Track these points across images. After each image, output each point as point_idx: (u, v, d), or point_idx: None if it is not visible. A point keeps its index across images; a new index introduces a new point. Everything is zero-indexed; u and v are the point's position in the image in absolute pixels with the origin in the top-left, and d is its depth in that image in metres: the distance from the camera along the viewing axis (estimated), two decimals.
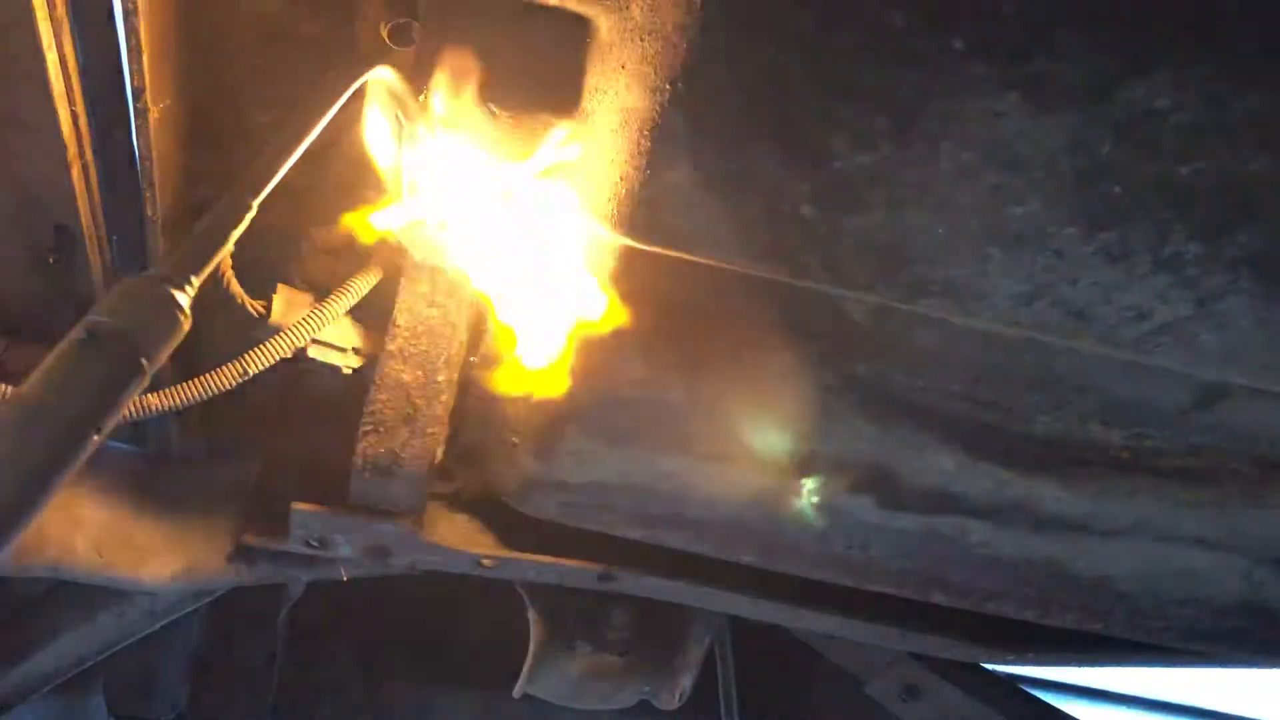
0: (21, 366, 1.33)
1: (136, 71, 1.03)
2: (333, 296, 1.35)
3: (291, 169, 1.06)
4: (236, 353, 1.27)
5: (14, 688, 1.90)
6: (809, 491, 1.37)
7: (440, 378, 1.40)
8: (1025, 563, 1.46)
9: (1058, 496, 1.34)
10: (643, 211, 1.00)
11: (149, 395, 1.23)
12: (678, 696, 2.19)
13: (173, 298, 0.94)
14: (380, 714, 2.99)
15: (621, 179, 0.99)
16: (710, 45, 0.85)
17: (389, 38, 1.20)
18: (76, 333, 0.88)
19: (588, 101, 1.04)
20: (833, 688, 2.99)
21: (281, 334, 1.29)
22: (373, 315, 1.44)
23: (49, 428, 0.83)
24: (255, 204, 1.03)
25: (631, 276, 1.11)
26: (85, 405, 0.85)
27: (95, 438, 0.86)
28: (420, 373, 1.39)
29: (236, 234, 1.02)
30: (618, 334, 1.18)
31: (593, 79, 1.02)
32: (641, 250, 1.05)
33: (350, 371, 1.47)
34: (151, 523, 1.63)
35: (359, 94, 1.12)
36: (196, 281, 0.97)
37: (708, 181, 0.96)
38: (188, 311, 0.95)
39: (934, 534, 1.42)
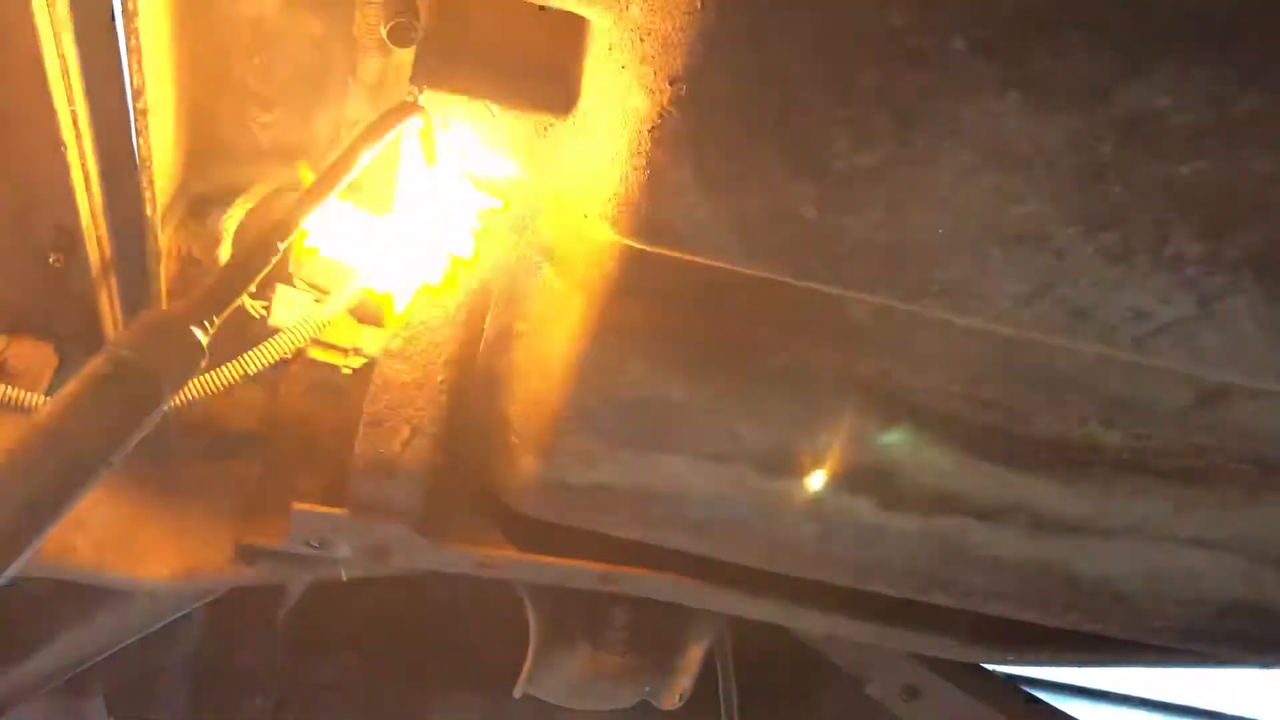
0: (22, 365, 1.33)
1: (136, 71, 1.03)
2: (332, 297, 1.35)
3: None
4: (236, 353, 1.27)
5: (14, 688, 1.90)
6: (809, 492, 1.37)
7: (440, 378, 1.40)
8: (1025, 563, 1.46)
9: (1058, 496, 1.34)
10: (643, 212, 1.00)
11: None
12: (678, 696, 2.19)
13: (196, 339, 0.94)
14: (380, 714, 2.99)
15: (621, 179, 0.99)
16: (710, 45, 0.85)
17: (388, 37, 1.20)
18: (100, 365, 0.87)
19: (588, 101, 1.04)
20: (833, 688, 2.99)
21: (281, 334, 1.29)
22: (373, 315, 1.44)
23: (64, 459, 0.84)
24: (282, 247, 1.01)
25: (632, 277, 1.11)
26: (102, 440, 0.86)
27: (105, 471, 0.87)
28: (420, 373, 1.39)
29: (260, 276, 1.01)
30: (618, 334, 1.18)
31: (593, 79, 1.02)
32: (642, 251, 1.05)
33: (350, 371, 1.47)
34: (151, 523, 1.63)
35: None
36: (218, 321, 0.97)
37: (708, 182, 0.96)
38: (206, 352, 0.95)
39: (934, 534, 1.42)
